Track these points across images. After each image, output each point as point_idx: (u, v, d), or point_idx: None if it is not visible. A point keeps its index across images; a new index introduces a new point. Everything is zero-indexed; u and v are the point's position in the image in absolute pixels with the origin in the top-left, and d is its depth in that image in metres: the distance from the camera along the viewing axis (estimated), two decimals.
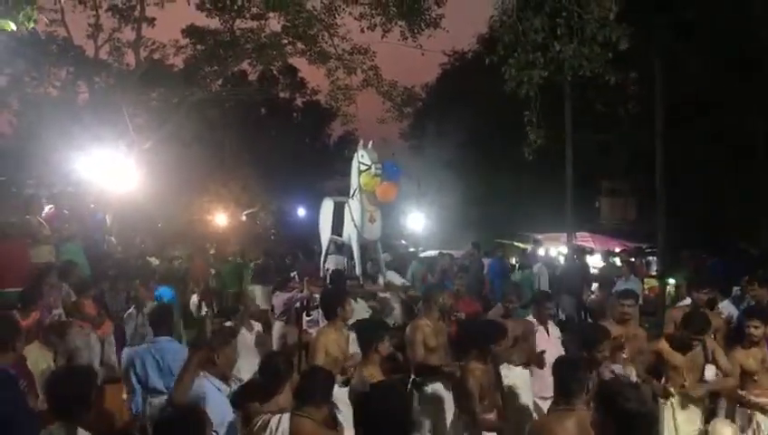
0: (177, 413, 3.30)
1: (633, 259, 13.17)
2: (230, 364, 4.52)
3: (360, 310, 7.17)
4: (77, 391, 3.52)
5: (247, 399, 4.45)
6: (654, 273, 15.44)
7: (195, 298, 12.70)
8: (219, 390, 4.27)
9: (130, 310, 8.00)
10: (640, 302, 10.24)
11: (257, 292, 12.29)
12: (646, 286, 13.61)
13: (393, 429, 2.99)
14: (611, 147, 17.89)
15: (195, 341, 5.00)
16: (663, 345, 5.69)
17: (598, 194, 18.75)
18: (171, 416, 3.26)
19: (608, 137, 17.15)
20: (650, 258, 16.78)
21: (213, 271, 13.71)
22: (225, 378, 4.44)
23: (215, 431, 4.08)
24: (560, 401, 3.93)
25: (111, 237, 12.44)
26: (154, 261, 13.30)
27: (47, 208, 9.32)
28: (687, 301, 7.50)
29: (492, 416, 5.02)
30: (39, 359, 6.26)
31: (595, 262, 18.45)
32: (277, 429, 3.66)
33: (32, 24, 7.37)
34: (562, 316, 11.03)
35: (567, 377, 3.96)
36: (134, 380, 5.93)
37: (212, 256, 14.92)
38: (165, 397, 5.50)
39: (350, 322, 6.08)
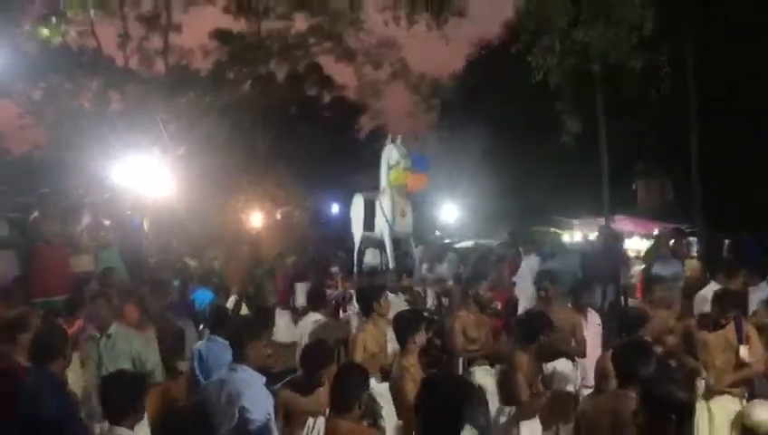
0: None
1: (673, 240, 12.92)
2: (260, 359, 4.55)
3: (397, 304, 7.19)
4: (128, 396, 3.60)
5: (290, 391, 4.53)
6: (695, 254, 15.15)
7: (232, 299, 12.90)
8: (259, 382, 4.33)
9: None
10: (681, 284, 10.11)
11: (298, 289, 12.42)
12: (687, 268, 13.36)
13: (450, 416, 2.97)
14: (645, 130, 17.60)
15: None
16: (692, 323, 5.62)
17: (633, 177, 18.45)
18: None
19: (641, 120, 16.87)
20: (690, 239, 16.47)
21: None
22: (258, 371, 4.50)
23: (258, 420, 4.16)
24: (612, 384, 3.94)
25: (149, 242, 12.66)
26: (192, 263, 13.50)
27: (85, 218, 9.51)
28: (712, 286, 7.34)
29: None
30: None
31: (634, 244, 18.22)
32: (313, 429, 3.69)
33: (59, 39, 7.56)
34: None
35: (624, 362, 3.91)
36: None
37: (249, 259, 15.06)
38: None
39: (390, 316, 6.09)
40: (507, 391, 5.01)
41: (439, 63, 49.45)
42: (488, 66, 25.89)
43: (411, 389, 4.69)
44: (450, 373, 4.09)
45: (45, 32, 7.61)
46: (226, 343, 5.81)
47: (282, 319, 10.68)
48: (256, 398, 4.20)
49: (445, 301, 8.85)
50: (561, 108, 13.80)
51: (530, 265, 10.72)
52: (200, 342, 6.53)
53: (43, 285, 7.63)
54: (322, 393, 4.52)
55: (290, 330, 8.24)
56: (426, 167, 10.46)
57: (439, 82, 24.82)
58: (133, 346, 5.86)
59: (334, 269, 13.22)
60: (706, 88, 13.90)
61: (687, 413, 3.11)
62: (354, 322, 7.00)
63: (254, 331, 4.61)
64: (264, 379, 4.44)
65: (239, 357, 4.40)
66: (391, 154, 9.95)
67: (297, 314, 12.11)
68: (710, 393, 5.41)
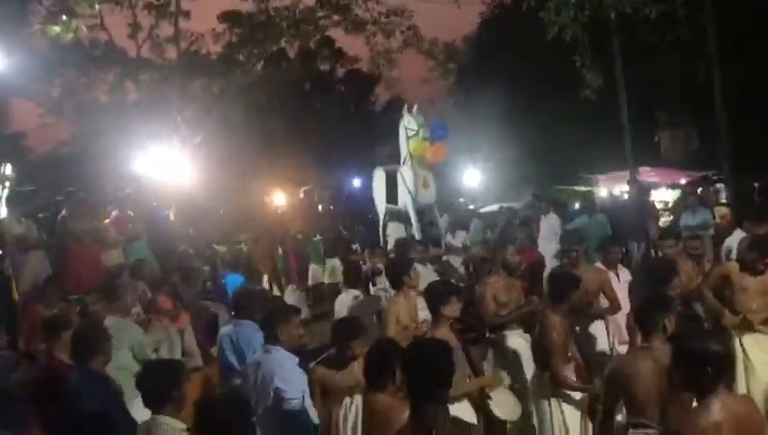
0: (219, 398, 3.42)
1: (700, 189, 12.75)
2: (293, 341, 4.63)
3: (427, 275, 7.20)
4: (166, 383, 3.65)
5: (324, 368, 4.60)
6: (724, 201, 14.93)
7: (265, 280, 13.05)
8: (293, 362, 4.43)
9: None
10: (712, 232, 9.98)
11: (333, 265, 12.52)
12: (717, 215, 13.18)
13: (432, 379, 3.12)
14: (666, 78, 17.23)
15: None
16: (732, 267, 5.55)
17: (656, 128, 18.11)
18: (212, 400, 3.36)
19: (661, 68, 16.52)
20: (718, 186, 16.21)
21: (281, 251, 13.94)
22: (294, 350, 4.59)
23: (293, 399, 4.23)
24: (638, 341, 3.96)
25: (177, 231, 12.78)
26: (221, 249, 13.64)
27: (112, 213, 9.63)
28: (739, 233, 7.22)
29: (571, 372, 4.97)
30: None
31: (661, 196, 17.99)
32: (351, 405, 3.74)
33: (71, 35, 7.59)
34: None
35: (642, 316, 3.97)
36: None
37: (275, 240, 15.17)
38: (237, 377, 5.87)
39: (421, 287, 6.12)
40: (541, 355, 5.00)
41: (452, 27, 48.80)
42: (502, 25, 25.46)
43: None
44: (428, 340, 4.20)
45: (56, 29, 7.60)
46: (254, 324, 5.92)
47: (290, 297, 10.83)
48: (290, 377, 4.31)
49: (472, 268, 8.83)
50: (580, 61, 13.53)
51: (550, 224, 10.65)
52: (226, 327, 6.58)
53: (76, 282, 7.77)
54: (356, 368, 4.57)
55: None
56: (445, 134, 10.38)
57: (453, 46, 24.43)
58: (129, 336, 5.83)
59: (355, 246, 13.31)
60: (727, 27, 13.51)
61: (724, 365, 3.08)
62: (384, 296, 7.02)
63: (282, 315, 4.66)
64: (297, 359, 4.51)
65: (271, 339, 4.47)
66: (409, 124, 9.89)
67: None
68: (743, 331, 5.38)
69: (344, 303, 6.84)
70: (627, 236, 10.25)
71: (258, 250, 13.14)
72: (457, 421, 3.13)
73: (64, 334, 4.83)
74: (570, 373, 4.92)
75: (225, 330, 6.44)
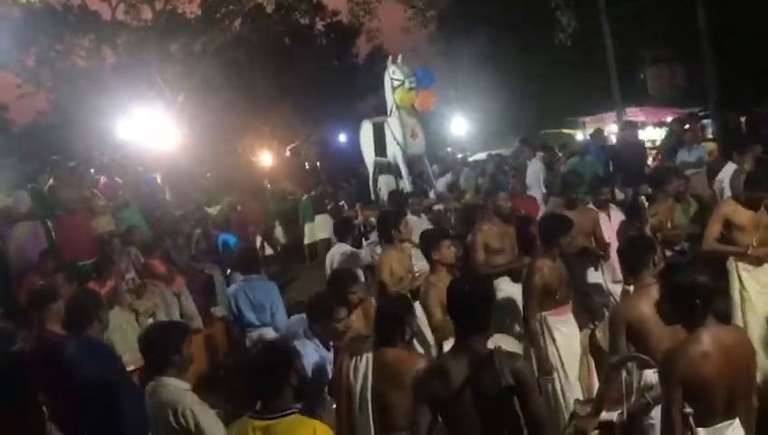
0: (266, 348, 3.41)
1: (687, 125, 12.70)
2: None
3: (421, 225, 7.21)
4: (168, 346, 3.66)
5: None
6: (710, 136, 14.94)
7: (258, 240, 13.08)
8: (321, 355, 4.39)
9: None
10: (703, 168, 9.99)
11: (322, 220, 12.53)
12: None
13: (475, 312, 3.10)
14: (649, 14, 17.05)
15: None
16: (729, 206, 5.55)
17: (641, 66, 17.97)
18: (265, 352, 3.32)
19: (645, 4, 16.31)
20: (704, 122, 16.21)
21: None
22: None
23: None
24: (631, 281, 4.02)
25: (165, 195, 12.73)
26: (211, 210, 13.61)
27: (101, 180, 9.56)
28: (730, 166, 7.23)
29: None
30: (124, 322, 6.60)
31: (648, 135, 17.97)
32: (362, 359, 3.76)
33: None
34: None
35: (629, 256, 4.07)
36: (233, 316, 6.39)
37: (269, 195, 15.16)
38: (259, 330, 6.01)
39: (416, 238, 6.14)
40: (524, 298, 5.08)
41: None
42: None
43: (435, 303, 4.84)
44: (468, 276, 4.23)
45: None
46: (264, 278, 6.22)
47: None
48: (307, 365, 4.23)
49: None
50: (556, 2, 13.33)
51: (534, 169, 10.64)
52: (235, 285, 6.62)
53: (70, 251, 7.74)
54: (355, 319, 4.63)
55: None
56: (431, 82, 10.26)
57: None
58: None
59: (342, 202, 13.32)
60: None
61: (711, 296, 3.10)
62: (369, 251, 7.06)
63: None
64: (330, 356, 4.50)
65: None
66: (394, 74, 9.76)
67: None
68: (741, 264, 5.43)
69: (334, 256, 6.83)
70: (629, 178, 10.17)
71: (249, 210, 13.15)
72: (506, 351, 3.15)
73: (53, 306, 4.76)
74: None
75: (235, 287, 6.48)
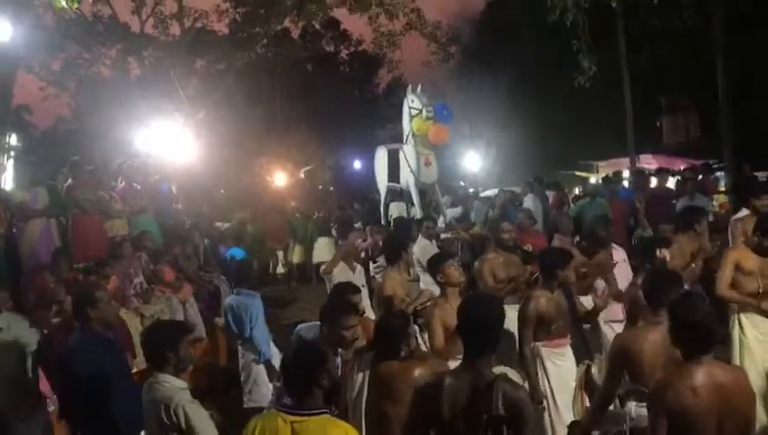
0: (299, 349, 3.47)
1: (701, 176, 12.75)
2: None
3: (431, 250, 7.31)
4: (165, 341, 3.75)
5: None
6: (723, 188, 14.96)
7: (280, 255, 13.25)
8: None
9: None
10: (710, 219, 10.01)
11: (323, 243, 12.63)
12: (716, 203, 13.20)
13: (485, 332, 3.13)
14: (669, 63, 17.22)
15: None
16: (740, 253, 5.54)
17: (657, 113, 18.08)
18: (299, 351, 3.40)
19: (664, 53, 16.48)
20: (718, 174, 16.24)
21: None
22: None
23: None
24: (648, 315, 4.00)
25: (179, 205, 12.86)
26: (222, 225, 13.75)
27: (120, 184, 9.71)
28: (744, 212, 7.26)
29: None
30: (129, 325, 6.69)
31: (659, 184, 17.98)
32: (359, 370, 3.82)
33: (75, 4, 7.62)
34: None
35: (652, 292, 4.03)
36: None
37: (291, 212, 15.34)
38: (243, 343, 6.27)
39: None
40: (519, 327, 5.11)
41: (456, 10, 48.49)
42: (507, 9, 25.38)
43: (438, 324, 4.92)
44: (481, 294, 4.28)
45: (62, 2, 7.64)
46: (253, 293, 6.37)
47: None
48: None
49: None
50: (578, 46, 13.49)
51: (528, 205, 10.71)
52: (229, 297, 6.76)
53: (82, 251, 7.85)
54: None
55: None
56: (449, 116, 10.41)
57: (457, 29, 24.45)
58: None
59: (357, 224, 13.43)
60: (732, 13, 13.46)
61: (710, 335, 3.15)
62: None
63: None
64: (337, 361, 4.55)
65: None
66: (413, 103, 9.92)
67: None
68: (743, 310, 5.43)
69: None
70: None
71: (268, 227, 13.29)
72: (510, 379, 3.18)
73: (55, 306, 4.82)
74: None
75: (228, 300, 6.62)
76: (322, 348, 3.37)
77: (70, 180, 8.47)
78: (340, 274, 6.93)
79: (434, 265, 5.41)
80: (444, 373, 3.23)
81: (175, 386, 3.67)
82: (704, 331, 3.14)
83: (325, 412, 3.10)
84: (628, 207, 9.88)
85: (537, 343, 5.03)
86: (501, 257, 6.31)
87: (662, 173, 12.26)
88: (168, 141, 15.57)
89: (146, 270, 8.00)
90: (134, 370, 5.71)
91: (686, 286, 5.56)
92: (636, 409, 3.65)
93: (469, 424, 2.96)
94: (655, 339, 3.76)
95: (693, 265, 6.40)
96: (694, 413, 3.00)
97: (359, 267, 7.29)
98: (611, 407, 3.87)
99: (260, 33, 20.40)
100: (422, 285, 6.14)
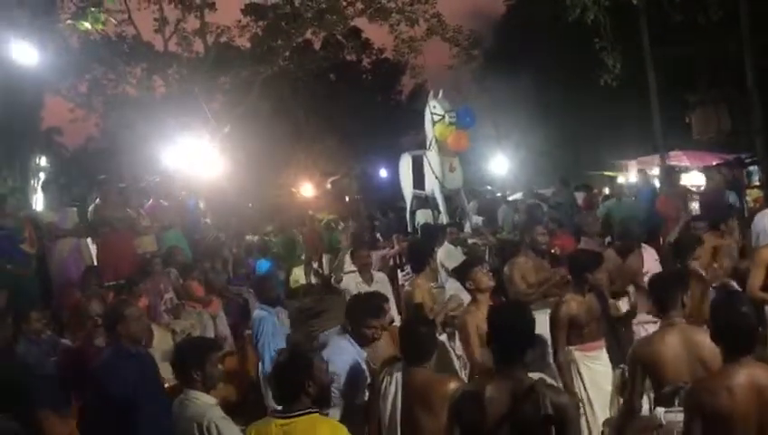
0: (288, 356, 3.48)
1: (731, 170, 12.50)
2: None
3: (458, 256, 7.27)
4: (194, 358, 3.76)
5: None
6: (757, 183, 14.64)
7: (315, 266, 13.24)
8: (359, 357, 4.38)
9: None
10: (746, 214, 9.81)
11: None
12: (749, 198, 12.93)
13: (517, 338, 3.09)
14: (695, 59, 16.95)
15: None
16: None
17: (686, 109, 17.80)
18: (283, 360, 3.44)
19: (690, 49, 16.22)
20: (751, 168, 15.89)
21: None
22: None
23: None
24: (660, 318, 3.96)
25: (207, 220, 12.97)
26: (252, 238, 13.81)
27: (148, 201, 9.82)
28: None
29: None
30: (161, 341, 6.73)
31: (692, 179, 17.68)
32: (392, 378, 3.79)
33: (100, 26, 7.73)
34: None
35: (660, 293, 4.00)
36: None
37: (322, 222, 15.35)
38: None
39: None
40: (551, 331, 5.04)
41: (477, 13, 48.43)
42: (529, 9, 25.22)
43: (473, 331, 4.85)
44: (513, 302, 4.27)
45: (86, 24, 7.77)
46: (267, 308, 6.45)
47: None
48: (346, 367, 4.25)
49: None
50: (601, 45, 13.32)
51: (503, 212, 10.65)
52: (256, 310, 6.81)
53: (113, 269, 7.93)
54: (381, 346, 4.64)
55: None
56: (472, 121, 10.33)
57: (478, 32, 24.39)
58: None
59: (377, 235, 13.41)
60: (758, 6, 13.18)
61: (750, 335, 3.10)
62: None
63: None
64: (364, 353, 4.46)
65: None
66: (435, 108, 9.88)
67: None
68: None
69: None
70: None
71: (309, 238, 13.34)
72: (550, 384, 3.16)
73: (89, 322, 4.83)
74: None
75: (254, 313, 6.67)
76: (309, 356, 3.45)
77: (98, 200, 8.59)
78: (354, 285, 6.86)
79: (462, 272, 5.36)
80: (480, 382, 3.19)
81: (206, 402, 3.70)
82: (743, 331, 3.09)
83: (313, 412, 3.23)
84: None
85: (570, 348, 4.96)
86: (531, 261, 6.23)
87: (671, 172, 12.06)
88: (194, 157, 15.73)
89: (176, 285, 8.06)
90: (166, 384, 5.75)
91: (712, 285, 5.48)
92: (665, 415, 3.56)
93: (512, 431, 2.92)
94: (672, 341, 3.73)
95: (715, 265, 6.26)
96: (729, 414, 2.95)
97: (379, 277, 7.18)
98: (643, 412, 3.78)
99: (282, 45, 20.55)
100: (449, 292, 6.05)
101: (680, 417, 3.47)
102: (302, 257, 13.59)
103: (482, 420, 2.94)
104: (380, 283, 6.87)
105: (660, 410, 3.61)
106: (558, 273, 5.97)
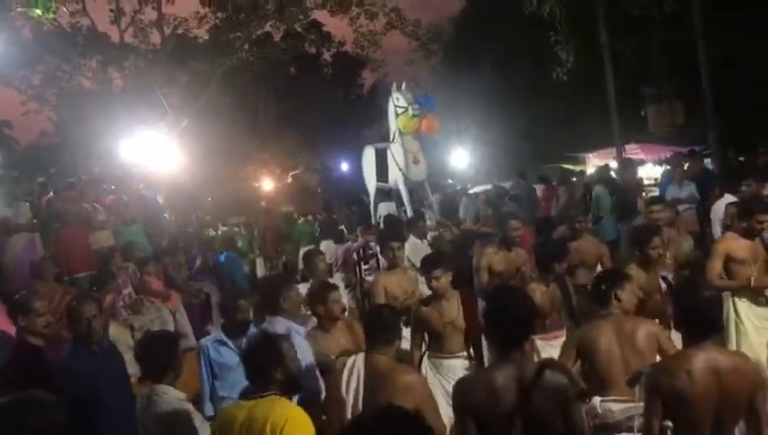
0: (258, 341, 3.54)
1: (687, 163, 12.79)
2: (297, 307, 4.84)
3: (423, 249, 7.28)
4: (162, 352, 3.71)
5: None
6: None
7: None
8: (298, 332, 4.50)
9: None
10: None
11: (327, 246, 12.54)
12: None
13: (515, 324, 3.07)
14: (651, 52, 17.28)
15: None
16: (727, 242, 5.55)
17: (642, 102, 18.17)
18: (253, 344, 3.51)
19: (646, 42, 16.53)
20: (705, 161, 16.29)
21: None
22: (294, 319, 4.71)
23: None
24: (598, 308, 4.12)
25: (166, 215, 12.76)
26: (214, 232, 13.67)
27: (107, 195, 9.61)
28: (727, 198, 7.29)
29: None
30: (119, 337, 6.59)
31: (648, 172, 18.05)
32: (353, 368, 3.76)
33: (51, 15, 7.52)
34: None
35: (595, 290, 4.17)
36: None
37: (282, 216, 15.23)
38: None
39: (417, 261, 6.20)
40: None
41: (436, 7, 48.53)
42: (487, 3, 25.40)
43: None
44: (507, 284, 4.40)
45: (37, 12, 7.53)
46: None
47: None
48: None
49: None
50: (556, 38, 13.45)
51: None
52: None
53: (66, 264, 7.75)
54: (337, 336, 4.72)
55: None
56: (433, 106, 10.35)
57: (437, 27, 24.47)
58: None
59: (341, 227, 13.39)
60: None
61: (711, 320, 3.24)
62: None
63: (283, 283, 4.85)
64: (302, 328, 4.57)
65: (272, 309, 4.62)
66: (398, 101, 9.86)
67: None
68: (737, 296, 5.43)
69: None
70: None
71: (262, 227, 13.22)
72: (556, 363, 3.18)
73: (27, 318, 4.65)
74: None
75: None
76: (278, 343, 3.48)
77: (51, 193, 8.37)
78: None
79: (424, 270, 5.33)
80: (484, 372, 3.20)
81: (174, 397, 3.66)
82: (704, 316, 3.18)
83: (273, 394, 3.30)
84: None
85: (533, 337, 4.99)
86: (501, 253, 6.31)
87: (628, 166, 12.24)
88: (152, 151, 15.46)
89: (134, 281, 7.89)
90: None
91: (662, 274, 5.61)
92: (601, 404, 3.64)
93: (526, 416, 2.89)
94: (606, 331, 3.88)
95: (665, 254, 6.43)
96: (689, 396, 3.03)
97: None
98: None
99: (241, 37, 20.27)
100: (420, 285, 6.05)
101: (614, 407, 3.62)
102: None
103: (494, 408, 2.90)
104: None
105: (596, 399, 3.69)
106: (523, 273, 6.06)
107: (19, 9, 8.92)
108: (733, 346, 5.35)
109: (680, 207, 8.87)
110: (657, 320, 4.38)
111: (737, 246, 5.43)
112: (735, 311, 5.44)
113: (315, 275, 5.93)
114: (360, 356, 3.76)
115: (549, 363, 3.10)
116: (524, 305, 3.13)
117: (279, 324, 4.48)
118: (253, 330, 4.75)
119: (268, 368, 3.33)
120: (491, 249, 6.38)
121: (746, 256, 5.39)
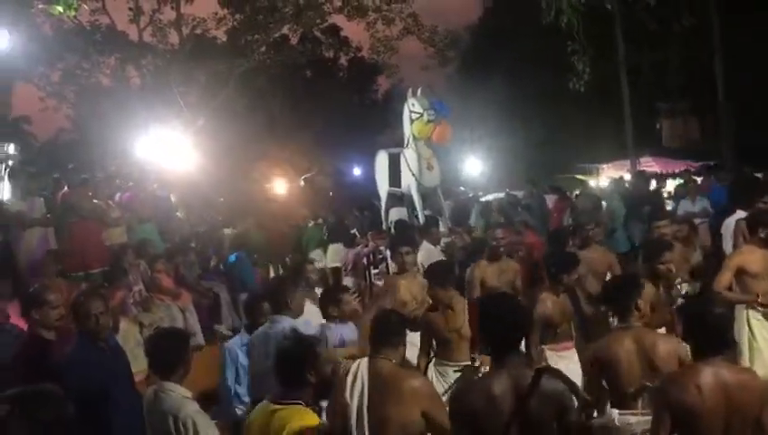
0: (293, 342, 3.54)
1: (701, 178, 12.73)
2: (300, 308, 4.87)
3: (436, 255, 7.27)
4: (173, 350, 3.72)
5: None
6: None
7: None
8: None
9: None
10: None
11: (337, 250, 12.53)
12: None
13: (509, 330, 3.08)
14: (668, 66, 17.24)
15: None
16: (742, 253, 5.49)
17: (657, 116, 18.09)
18: (288, 345, 3.51)
19: (662, 56, 16.49)
20: (721, 175, 16.17)
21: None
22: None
23: None
24: (617, 320, 4.03)
25: (178, 214, 12.81)
26: (228, 231, 13.66)
27: (122, 192, 9.68)
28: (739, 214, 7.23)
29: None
30: (128, 333, 6.63)
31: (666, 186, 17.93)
32: (357, 372, 3.75)
33: (73, 12, 7.59)
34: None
35: (614, 298, 4.06)
36: None
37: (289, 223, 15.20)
38: None
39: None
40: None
41: (454, 15, 48.56)
42: (505, 12, 25.39)
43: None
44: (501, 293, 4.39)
45: (58, 9, 7.61)
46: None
47: None
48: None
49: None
50: (573, 48, 13.45)
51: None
52: None
53: (80, 259, 7.79)
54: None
55: None
56: (448, 113, 10.33)
57: (454, 34, 24.52)
58: None
59: (353, 231, 13.36)
60: (730, 16, 13.44)
61: (721, 335, 3.20)
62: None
63: (291, 283, 4.91)
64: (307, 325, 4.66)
65: (278, 308, 4.67)
66: (413, 106, 9.87)
67: None
68: (751, 310, 5.37)
69: None
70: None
71: (271, 237, 13.20)
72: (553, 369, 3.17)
73: (40, 311, 4.65)
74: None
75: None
76: (313, 344, 3.51)
77: (65, 188, 8.44)
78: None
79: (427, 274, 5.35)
80: (480, 380, 3.19)
81: (181, 395, 3.65)
82: (715, 332, 3.17)
83: (299, 403, 3.31)
84: None
85: (543, 347, 4.99)
86: (493, 265, 6.29)
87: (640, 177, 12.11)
88: (168, 150, 15.54)
89: (145, 278, 7.96)
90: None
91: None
92: (619, 417, 3.60)
93: (521, 423, 2.90)
94: (627, 343, 3.80)
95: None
96: (698, 411, 3.02)
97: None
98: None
99: (259, 39, 20.38)
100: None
101: (632, 419, 3.57)
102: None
103: (490, 415, 2.91)
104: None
105: (614, 412, 3.65)
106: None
107: (41, 6, 9.00)
108: (746, 362, 5.29)
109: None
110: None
111: (753, 259, 5.38)
112: (749, 326, 5.39)
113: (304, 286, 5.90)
114: (365, 361, 3.75)
115: (545, 370, 3.09)
116: (518, 311, 3.15)
117: (285, 323, 4.52)
118: (260, 328, 4.79)
119: (302, 369, 3.34)
120: (483, 261, 6.36)
121: (760, 269, 5.33)
